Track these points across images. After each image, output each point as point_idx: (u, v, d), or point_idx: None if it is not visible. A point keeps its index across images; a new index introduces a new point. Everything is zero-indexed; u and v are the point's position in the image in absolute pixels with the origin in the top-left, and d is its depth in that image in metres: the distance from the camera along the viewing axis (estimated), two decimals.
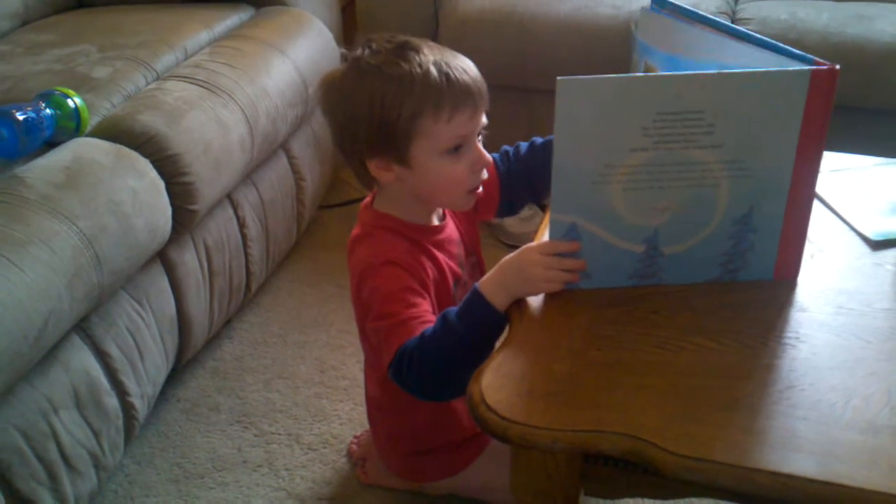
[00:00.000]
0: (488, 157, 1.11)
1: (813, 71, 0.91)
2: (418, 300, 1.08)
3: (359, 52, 1.10)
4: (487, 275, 1.01)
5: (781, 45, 0.97)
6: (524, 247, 1.00)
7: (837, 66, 0.91)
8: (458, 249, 1.21)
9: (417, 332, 1.03)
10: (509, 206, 1.26)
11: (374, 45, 1.09)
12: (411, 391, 1.05)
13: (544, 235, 1.03)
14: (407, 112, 1.05)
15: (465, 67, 1.08)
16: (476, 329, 1.00)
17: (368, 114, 1.06)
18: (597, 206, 0.95)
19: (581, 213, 0.95)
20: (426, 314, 1.06)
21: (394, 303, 1.07)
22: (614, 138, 0.91)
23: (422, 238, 1.15)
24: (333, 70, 1.13)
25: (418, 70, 1.04)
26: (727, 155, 0.94)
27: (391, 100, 1.05)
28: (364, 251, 1.14)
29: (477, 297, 1.00)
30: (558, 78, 0.86)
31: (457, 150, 1.08)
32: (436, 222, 1.19)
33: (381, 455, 1.37)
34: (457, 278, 1.19)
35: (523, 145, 1.25)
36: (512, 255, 1.00)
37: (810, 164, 0.97)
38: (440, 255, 1.16)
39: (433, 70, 1.05)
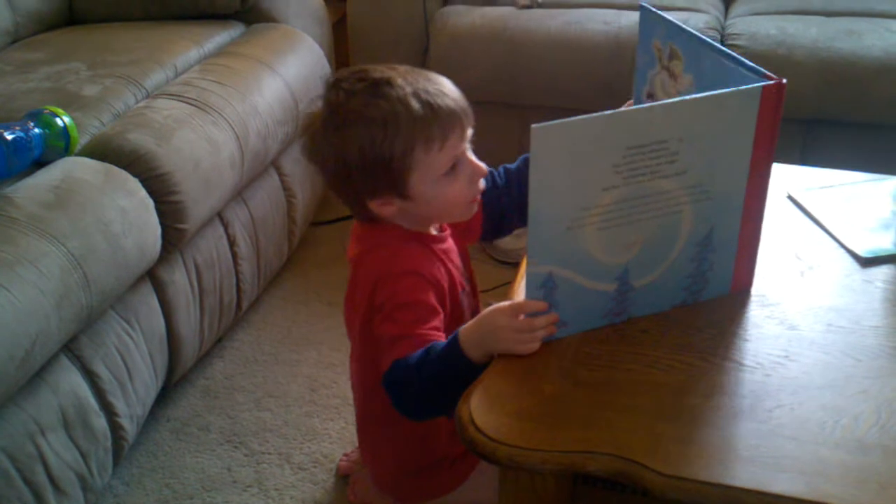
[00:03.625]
0: (483, 166, 1.11)
1: (763, 87, 0.91)
2: (431, 316, 1.07)
3: (332, 96, 1.07)
4: (469, 324, 1.00)
5: (735, 55, 0.98)
6: (494, 307, 0.98)
7: (784, 80, 0.92)
8: (458, 261, 1.22)
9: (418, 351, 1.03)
10: (496, 229, 1.26)
11: (344, 86, 1.06)
12: (393, 404, 1.06)
13: (521, 288, 1.01)
14: (399, 151, 1.03)
15: (443, 90, 1.06)
16: (452, 372, 0.98)
17: (360, 160, 1.05)
18: (571, 252, 0.93)
19: (556, 262, 0.93)
20: (434, 333, 1.06)
21: (408, 312, 1.06)
22: (588, 180, 0.89)
23: (431, 244, 1.15)
24: (312, 117, 1.11)
25: (399, 106, 1.03)
26: (690, 180, 0.94)
27: (380, 143, 1.03)
28: (381, 259, 1.12)
29: (456, 345, 0.99)
30: (532, 126, 0.83)
31: (453, 169, 1.08)
32: (436, 233, 1.19)
33: (371, 474, 1.36)
34: (462, 288, 1.19)
35: (506, 168, 1.24)
36: (486, 311, 0.98)
37: (762, 176, 0.98)
38: (448, 263, 1.17)
39: (414, 102, 1.03)
